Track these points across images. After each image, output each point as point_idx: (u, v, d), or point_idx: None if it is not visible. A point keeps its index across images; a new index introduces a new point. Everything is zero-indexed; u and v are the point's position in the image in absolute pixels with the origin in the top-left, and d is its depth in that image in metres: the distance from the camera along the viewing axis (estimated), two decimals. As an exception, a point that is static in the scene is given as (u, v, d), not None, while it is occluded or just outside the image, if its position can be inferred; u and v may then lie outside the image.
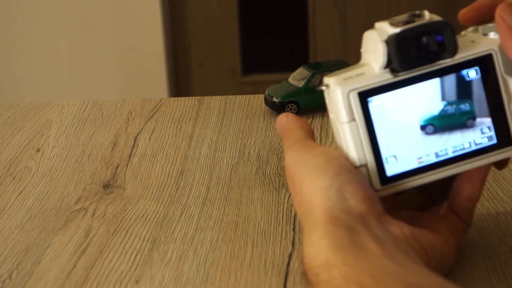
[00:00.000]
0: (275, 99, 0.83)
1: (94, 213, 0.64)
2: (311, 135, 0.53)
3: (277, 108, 0.83)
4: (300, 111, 0.83)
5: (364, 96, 0.49)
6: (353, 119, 0.50)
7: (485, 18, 0.52)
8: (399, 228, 0.47)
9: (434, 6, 2.36)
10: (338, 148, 0.51)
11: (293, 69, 0.88)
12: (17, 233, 0.61)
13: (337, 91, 0.49)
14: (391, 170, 0.50)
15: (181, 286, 0.53)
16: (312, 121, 0.82)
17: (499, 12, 0.49)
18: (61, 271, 0.55)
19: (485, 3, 0.52)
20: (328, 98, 0.51)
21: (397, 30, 0.49)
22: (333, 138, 0.76)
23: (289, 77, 0.86)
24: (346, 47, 2.43)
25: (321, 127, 0.80)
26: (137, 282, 0.54)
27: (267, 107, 0.85)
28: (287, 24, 2.52)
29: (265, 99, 0.85)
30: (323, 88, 0.51)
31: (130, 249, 0.58)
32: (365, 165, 0.50)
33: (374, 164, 0.50)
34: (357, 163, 0.50)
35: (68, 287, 0.53)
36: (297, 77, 0.85)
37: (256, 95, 0.90)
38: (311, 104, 0.83)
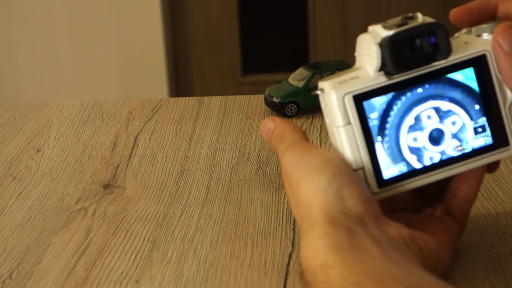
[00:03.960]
0: (275, 99, 0.83)
1: (94, 213, 0.64)
2: (305, 137, 0.53)
3: (277, 108, 0.83)
4: (300, 111, 0.83)
5: (359, 99, 0.49)
6: (349, 123, 0.49)
7: (476, 20, 0.52)
8: (396, 230, 0.48)
9: (434, 6, 2.36)
10: (334, 151, 0.51)
11: (293, 69, 0.88)
12: (18, 233, 0.61)
13: (332, 95, 0.49)
14: (388, 172, 0.51)
15: (181, 286, 0.53)
16: (312, 121, 0.82)
17: (496, 35, 0.50)
18: (62, 271, 0.55)
19: (476, 6, 0.52)
20: (324, 103, 0.51)
21: (390, 32, 0.49)
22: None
23: (289, 77, 0.86)
24: (346, 47, 2.43)
25: (321, 127, 0.80)
26: (137, 282, 0.54)
27: (267, 107, 0.85)
28: (287, 24, 2.52)
29: (265, 99, 0.85)
30: (318, 92, 0.51)
31: (131, 249, 0.58)
32: (362, 168, 0.50)
33: (371, 167, 0.50)
34: (354, 166, 0.50)
35: (69, 287, 0.54)
36: (297, 77, 0.85)
37: (256, 95, 0.90)
38: (311, 104, 0.83)
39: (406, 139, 0.50)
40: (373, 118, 0.50)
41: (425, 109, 0.50)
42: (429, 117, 0.51)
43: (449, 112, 0.51)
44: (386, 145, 0.50)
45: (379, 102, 0.50)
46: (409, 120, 0.50)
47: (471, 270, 0.53)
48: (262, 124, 0.55)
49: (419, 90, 0.50)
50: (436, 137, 0.51)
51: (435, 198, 0.55)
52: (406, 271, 0.43)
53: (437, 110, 0.50)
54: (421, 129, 0.51)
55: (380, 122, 0.50)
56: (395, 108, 0.50)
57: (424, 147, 0.51)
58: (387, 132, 0.50)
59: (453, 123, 0.51)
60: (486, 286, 0.51)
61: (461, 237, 0.55)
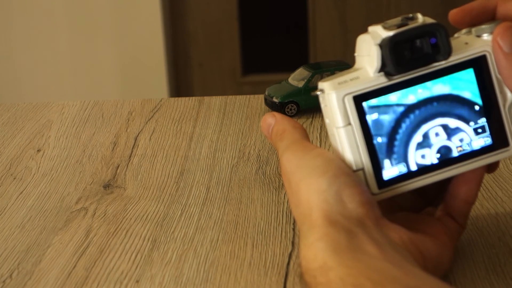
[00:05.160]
0: (275, 99, 0.83)
1: (95, 213, 0.64)
2: (306, 136, 0.52)
3: (277, 108, 0.83)
4: (300, 111, 0.83)
5: (359, 100, 0.49)
6: (349, 123, 0.49)
7: (475, 21, 0.52)
8: (396, 233, 0.47)
9: (434, 6, 2.36)
10: (334, 152, 0.51)
11: (293, 69, 0.88)
12: (18, 233, 0.61)
13: (332, 96, 0.49)
14: (388, 173, 0.51)
15: (181, 286, 0.53)
16: (312, 121, 0.82)
17: (496, 36, 0.50)
18: (62, 271, 0.56)
19: (476, 7, 0.52)
20: (324, 103, 0.51)
21: (390, 33, 0.49)
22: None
23: (289, 77, 0.87)
24: (346, 47, 2.43)
25: (321, 127, 0.80)
26: (137, 282, 0.54)
27: (267, 107, 0.86)
28: (287, 24, 2.52)
29: (265, 99, 0.85)
30: (318, 93, 0.51)
31: (131, 249, 0.58)
32: (362, 169, 0.50)
33: (371, 168, 0.50)
34: (354, 167, 0.50)
35: (69, 287, 0.54)
36: (297, 77, 0.85)
37: (256, 95, 0.90)
38: (311, 105, 0.83)
39: (414, 157, 0.50)
40: (381, 135, 0.50)
41: (433, 127, 0.50)
42: (437, 134, 0.51)
43: (456, 130, 0.51)
44: (394, 162, 0.50)
45: (388, 119, 0.50)
46: (417, 137, 0.50)
47: (471, 270, 0.53)
48: (263, 119, 0.55)
49: (427, 107, 0.50)
50: (443, 154, 0.51)
51: (435, 197, 0.55)
52: (406, 271, 0.43)
53: (445, 127, 0.51)
54: (429, 146, 0.51)
55: (388, 140, 0.50)
56: (404, 126, 0.50)
57: (431, 164, 0.51)
58: (395, 149, 0.50)
59: (461, 140, 0.51)
60: (486, 286, 0.51)
61: (461, 237, 0.55)
